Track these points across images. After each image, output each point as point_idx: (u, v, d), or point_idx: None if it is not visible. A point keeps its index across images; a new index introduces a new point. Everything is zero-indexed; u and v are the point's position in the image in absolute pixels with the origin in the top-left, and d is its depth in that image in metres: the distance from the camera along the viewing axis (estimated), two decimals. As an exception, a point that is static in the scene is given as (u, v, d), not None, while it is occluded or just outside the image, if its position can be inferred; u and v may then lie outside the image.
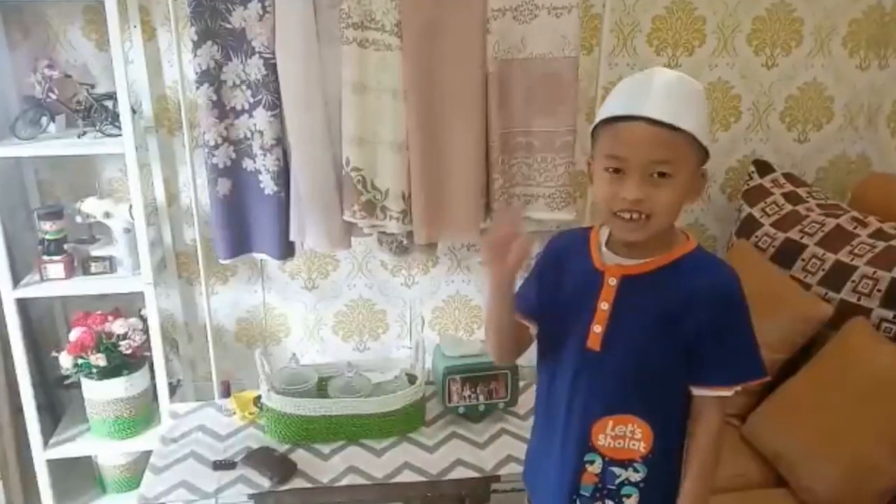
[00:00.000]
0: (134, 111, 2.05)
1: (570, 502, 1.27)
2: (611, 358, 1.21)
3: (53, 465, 2.20)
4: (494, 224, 1.47)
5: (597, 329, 1.21)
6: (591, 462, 1.24)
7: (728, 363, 1.19)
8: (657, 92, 1.10)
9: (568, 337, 1.24)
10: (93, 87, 2.10)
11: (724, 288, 1.18)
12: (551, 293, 1.28)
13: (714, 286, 1.18)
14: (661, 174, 1.11)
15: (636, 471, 1.23)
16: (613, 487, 1.24)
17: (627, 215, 1.13)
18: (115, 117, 2.03)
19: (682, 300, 1.17)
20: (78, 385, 2.16)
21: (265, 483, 1.81)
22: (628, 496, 1.24)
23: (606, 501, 1.25)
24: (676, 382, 1.22)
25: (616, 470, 1.23)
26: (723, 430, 1.23)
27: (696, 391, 1.22)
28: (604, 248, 1.24)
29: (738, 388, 1.21)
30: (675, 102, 1.10)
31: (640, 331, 1.19)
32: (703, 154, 1.15)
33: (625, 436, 1.22)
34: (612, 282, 1.20)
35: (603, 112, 1.16)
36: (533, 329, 1.33)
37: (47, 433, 2.20)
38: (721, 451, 1.24)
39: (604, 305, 1.20)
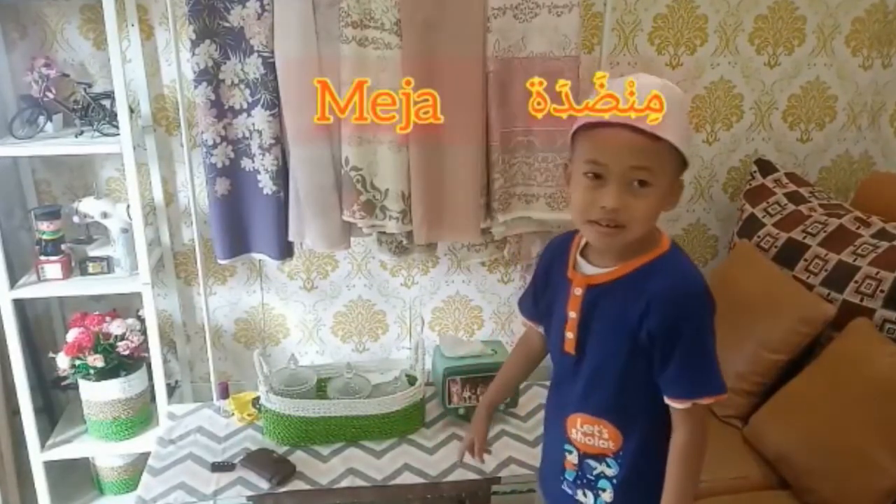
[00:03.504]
0: (132, 110, 2.04)
1: (559, 482, 1.34)
2: (583, 362, 1.25)
3: (50, 466, 2.19)
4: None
5: (569, 335, 1.25)
6: (570, 452, 1.30)
7: (681, 376, 1.16)
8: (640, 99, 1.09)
9: (554, 340, 1.30)
10: (90, 86, 2.09)
11: (680, 291, 1.15)
12: (542, 299, 1.34)
13: (670, 289, 1.15)
14: (641, 182, 1.10)
15: (609, 466, 1.26)
16: (592, 478, 1.28)
17: (604, 223, 1.13)
18: (112, 116, 2.02)
19: (641, 306, 1.15)
20: (75, 386, 2.15)
21: (264, 485, 1.80)
22: (603, 490, 1.27)
23: (585, 490, 1.30)
24: (645, 388, 1.20)
25: (591, 462, 1.28)
26: (694, 443, 1.19)
27: (665, 400, 1.19)
28: (578, 256, 1.25)
29: (694, 402, 1.16)
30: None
31: (604, 338, 1.22)
32: (682, 163, 1.14)
33: (593, 434, 1.26)
34: (578, 291, 1.23)
35: (585, 117, 1.14)
36: (540, 329, 1.40)
37: (44, 435, 2.19)
38: (693, 465, 1.20)
39: (572, 314, 1.24)
